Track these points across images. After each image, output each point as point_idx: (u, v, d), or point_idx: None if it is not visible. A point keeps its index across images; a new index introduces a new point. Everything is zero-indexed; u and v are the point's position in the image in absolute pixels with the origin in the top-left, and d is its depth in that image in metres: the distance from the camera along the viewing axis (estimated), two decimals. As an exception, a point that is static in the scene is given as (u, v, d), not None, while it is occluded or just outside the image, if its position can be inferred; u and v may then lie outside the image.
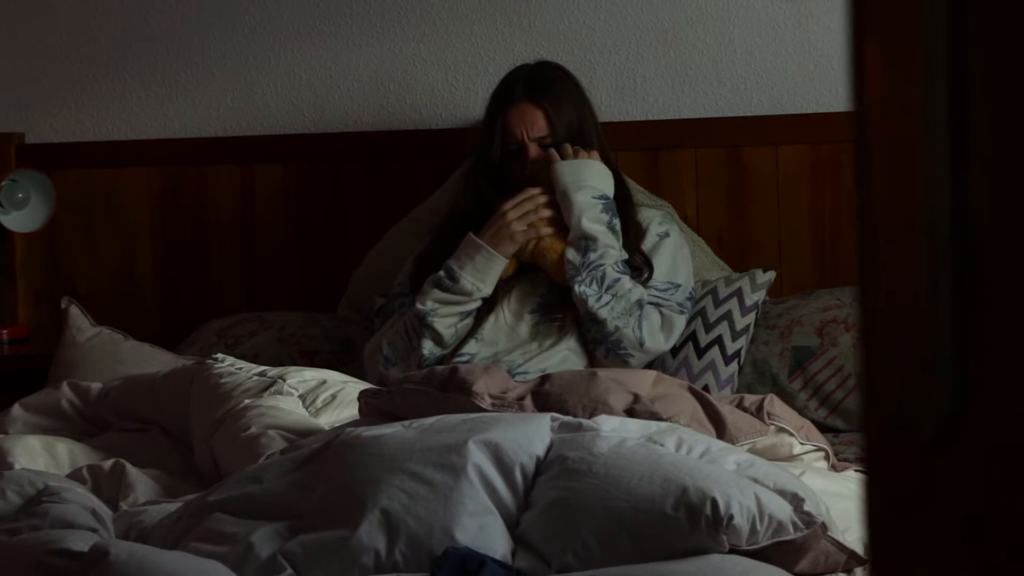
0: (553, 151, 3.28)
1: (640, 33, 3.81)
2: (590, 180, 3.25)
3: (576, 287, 3.19)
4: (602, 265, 3.19)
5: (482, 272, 3.25)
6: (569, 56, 3.72)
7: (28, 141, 4.08)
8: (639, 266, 3.31)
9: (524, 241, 3.25)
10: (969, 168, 0.68)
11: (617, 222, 3.26)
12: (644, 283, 3.29)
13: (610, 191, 3.27)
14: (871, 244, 0.74)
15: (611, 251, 3.22)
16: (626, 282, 3.21)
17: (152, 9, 4.02)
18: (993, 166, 0.68)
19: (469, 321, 3.26)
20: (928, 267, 0.70)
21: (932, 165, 0.69)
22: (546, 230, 3.25)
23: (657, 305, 3.28)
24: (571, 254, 3.21)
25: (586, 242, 3.21)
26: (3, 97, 4.09)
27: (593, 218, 3.21)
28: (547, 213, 3.25)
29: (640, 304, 3.21)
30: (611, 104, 3.79)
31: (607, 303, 3.18)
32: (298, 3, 3.96)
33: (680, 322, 3.31)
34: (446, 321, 3.23)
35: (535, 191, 3.26)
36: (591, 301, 3.17)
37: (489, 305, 3.27)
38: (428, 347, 3.22)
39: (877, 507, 0.74)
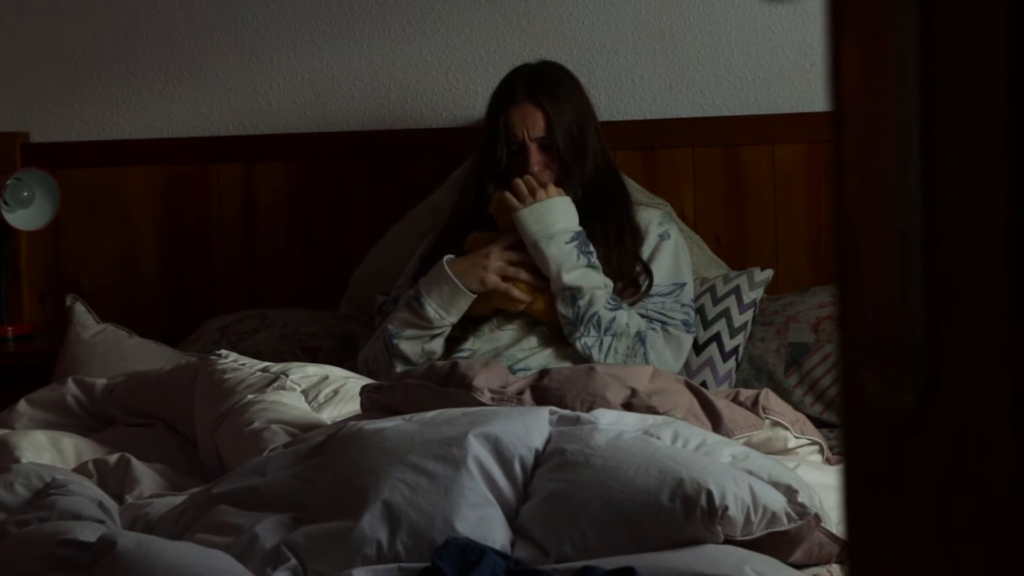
0: (508, 196, 3.21)
1: (638, 34, 3.82)
2: (556, 224, 3.19)
3: (577, 344, 3.16)
4: (595, 311, 3.16)
5: (447, 303, 3.21)
6: (568, 56, 3.72)
7: (33, 140, 4.09)
8: (637, 276, 3.30)
9: (492, 289, 3.19)
10: (937, 171, 0.73)
11: (592, 254, 3.20)
12: (645, 292, 3.28)
13: (575, 221, 3.21)
14: (848, 242, 0.79)
15: (598, 292, 3.17)
16: (622, 317, 3.18)
17: (155, 10, 4.03)
18: (960, 169, 0.72)
19: (439, 342, 3.23)
20: (901, 265, 0.74)
21: (903, 167, 0.73)
22: (519, 294, 3.20)
23: (662, 323, 3.26)
24: (562, 308, 3.16)
25: (571, 293, 3.16)
26: (8, 97, 4.10)
27: (571, 267, 3.16)
28: (526, 277, 3.20)
29: (641, 337, 3.19)
30: (610, 103, 3.79)
31: (610, 345, 3.16)
32: (300, 4, 3.97)
33: (687, 340, 3.29)
34: (412, 345, 3.21)
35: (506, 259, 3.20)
36: (595, 352, 3.15)
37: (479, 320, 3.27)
38: (400, 366, 3.19)
39: (854, 486, 0.79)
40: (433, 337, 3.22)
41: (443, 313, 3.21)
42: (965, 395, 0.72)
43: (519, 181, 3.22)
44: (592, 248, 3.21)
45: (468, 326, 3.24)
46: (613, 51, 3.83)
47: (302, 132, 3.98)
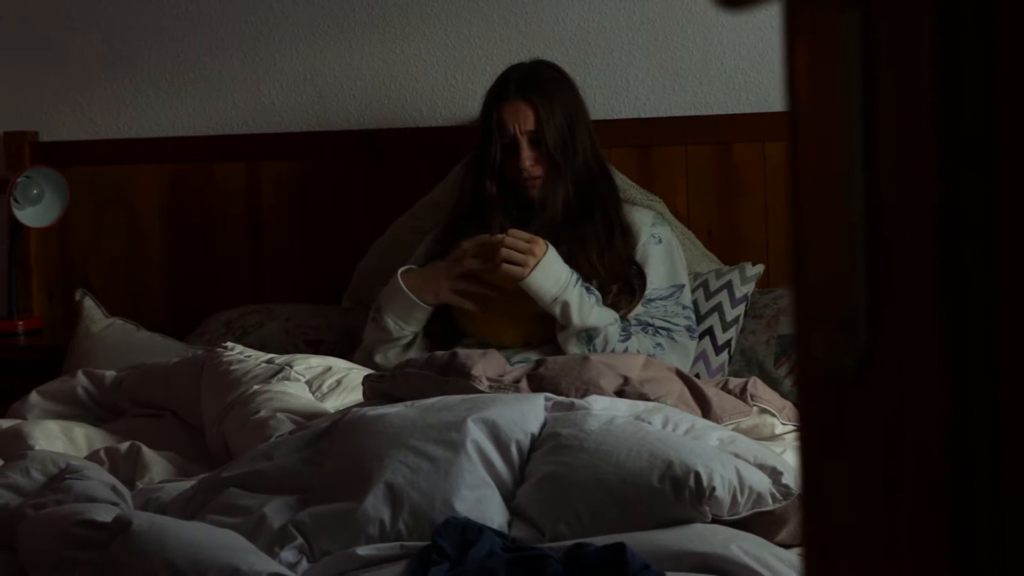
0: (508, 267, 3.12)
1: (632, 34, 3.84)
2: (562, 274, 3.15)
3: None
4: (611, 348, 3.15)
5: (404, 315, 3.24)
6: (564, 56, 3.74)
7: (42, 139, 4.10)
8: (631, 279, 3.30)
9: (449, 301, 3.19)
10: (878, 162, 0.82)
11: (593, 290, 3.18)
12: (640, 296, 3.27)
13: (566, 271, 3.16)
14: (802, 224, 0.88)
15: (611, 329, 3.16)
16: (633, 345, 3.17)
17: (161, 12, 4.05)
18: (897, 159, 0.82)
19: (414, 350, 3.23)
20: (847, 243, 0.83)
21: (848, 158, 0.83)
22: (471, 305, 3.19)
23: (668, 331, 3.28)
24: (576, 348, 3.13)
25: (588, 333, 3.15)
26: (18, 97, 4.12)
27: (589, 309, 3.14)
28: (479, 290, 3.18)
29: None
30: (605, 102, 3.82)
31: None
32: (302, 6, 3.99)
33: (692, 345, 3.31)
34: (388, 355, 3.24)
35: (467, 267, 3.18)
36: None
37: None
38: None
39: (807, 441, 0.88)
40: (405, 347, 3.25)
41: (402, 325, 3.24)
42: (901, 359, 0.81)
43: (506, 250, 3.13)
44: (590, 287, 3.20)
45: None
46: (608, 51, 3.86)
47: (305, 130, 4.00)
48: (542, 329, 3.21)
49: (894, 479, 0.83)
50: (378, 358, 3.25)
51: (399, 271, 3.25)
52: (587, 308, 3.15)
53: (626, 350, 3.16)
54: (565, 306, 3.13)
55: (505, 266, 3.14)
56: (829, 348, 0.84)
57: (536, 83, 3.38)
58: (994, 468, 0.78)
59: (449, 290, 3.20)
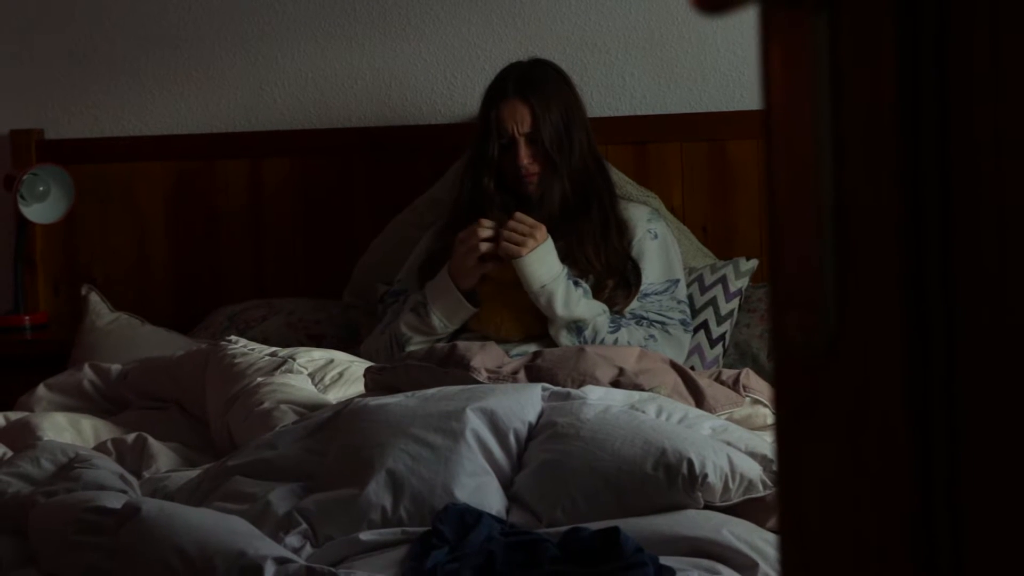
0: (507, 245, 3.19)
1: (628, 34, 3.87)
2: (552, 270, 3.19)
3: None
4: (601, 340, 3.18)
5: (450, 315, 3.27)
6: (561, 55, 3.76)
7: (48, 137, 4.11)
8: (627, 274, 3.33)
9: (481, 272, 3.23)
10: (845, 158, 0.88)
11: (582, 284, 3.23)
12: (635, 291, 3.30)
13: (559, 265, 3.22)
14: (778, 218, 0.95)
15: (599, 319, 3.20)
16: (623, 336, 3.21)
17: (165, 12, 4.06)
18: (863, 156, 0.88)
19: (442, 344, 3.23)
20: (817, 235, 0.90)
21: (818, 154, 0.89)
22: (491, 265, 3.23)
23: (662, 324, 3.30)
24: (566, 340, 3.18)
25: (577, 325, 3.19)
26: (24, 96, 4.13)
27: (576, 300, 3.19)
28: (486, 247, 3.23)
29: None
30: (601, 100, 3.84)
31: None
32: (304, 6, 4.00)
33: (687, 339, 3.33)
34: (420, 346, 3.24)
35: (478, 228, 3.23)
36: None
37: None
38: None
39: (782, 413, 0.95)
40: (438, 340, 3.27)
41: (446, 323, 3.28)
42: (865, 340, 0.88)
43: (509, 231, 3.21)
44: (579, 280, 3.24)
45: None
46: (604, 50, 3.88)
47: (306, 128, 4.01)
48: (541, 324, 3.25)
49: (860, 445, 0.89)
50: (411, 348, 3.26)
51: (446, 269, 3.28)
52: (574, 300, 3.19)
53: (616, 341, 3.19)
54: (551, 295, 3.18)
55: (505, 244, 3.19)
56: (802, 328, 0.91)
57: (533, 82, 3.41)
58: (951, 437, 0.84)
59: (472, 261, 3.23)
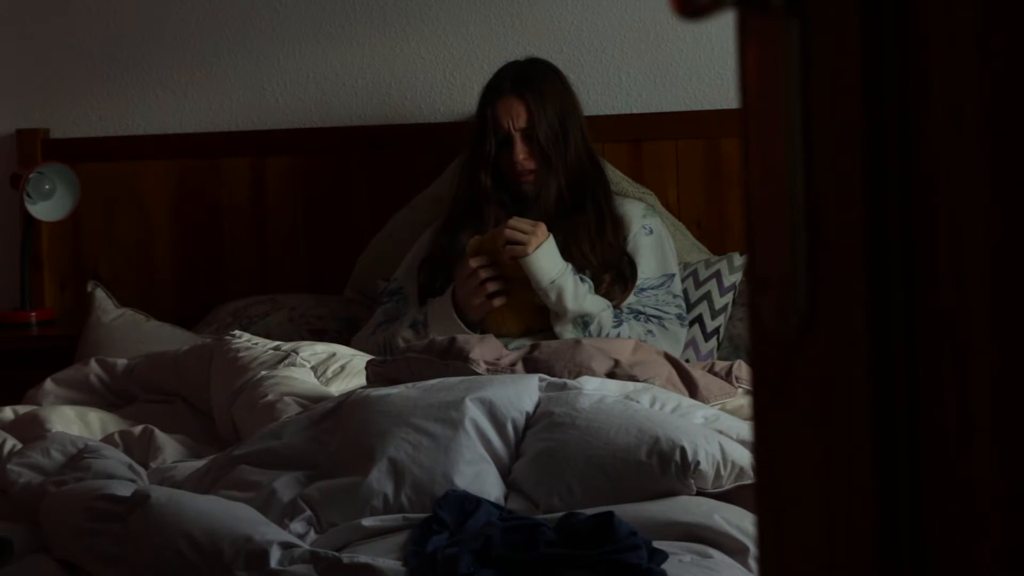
0: (511, 247, 3.16)
1: (624, 33, 3.90)
2: (557, 264, 3.19)
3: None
4: (605, 334, 3.19)
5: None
6: (559, 54, 3.79)
7: (53, 136, 4.13)
8: (623, 269, 3.35)
9: (487, 309, 3.21)
10: (815, 153, 0.95)
11: (587, 280, 3.24)
12: (631, 286, 3.31)
13: (562, 260, 3.21)
14: (753, 211, 1.01)
15: (604, 315, 3.21)
16: (625, 331, 3.22)
17: (169, 12, 4.09)
18: (831, 151, 0.94)
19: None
20: (790, 226, 0.96)
21: (789, 150, 0.95)
22: (499, 301, 3.21)
23: (659, 319, 3.32)
24: (571, 334, 3.18)
25: (583, 319, 3.20)
26: (30, 95, 4.15)
27: (583, 296, 3.19)
28: (493, 286, 3.21)
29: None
30: (598, 98, 3.87)
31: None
32: (306, 6, 4.03)
33: (683, 333, 3.35)
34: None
35: (473, 266, 3.20)
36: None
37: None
38: None
39: (758, 392, 1.01)
40: None
41: None
42: (835, 323, 0.94)
43: (509, 231, 3.19)
44: (583, 276, 3.25)
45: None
46: (601, 49, 3.91)
47: (308, 127, 4.03)
48: (541, 319, 3.27)
49: (830, 424, 0.96)
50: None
51: (448, 294, 3.25)
52: (581, 294, 3.19)
53: (619, 335, 3.20)
54: (561, 290, 3.17)
55: (509, 246, 3.17)
56: (776, 310, 0.97)
57: (529, 80, 3.44)
58: (911, 412, 0.91)
59: (479, 299, 3.22)
